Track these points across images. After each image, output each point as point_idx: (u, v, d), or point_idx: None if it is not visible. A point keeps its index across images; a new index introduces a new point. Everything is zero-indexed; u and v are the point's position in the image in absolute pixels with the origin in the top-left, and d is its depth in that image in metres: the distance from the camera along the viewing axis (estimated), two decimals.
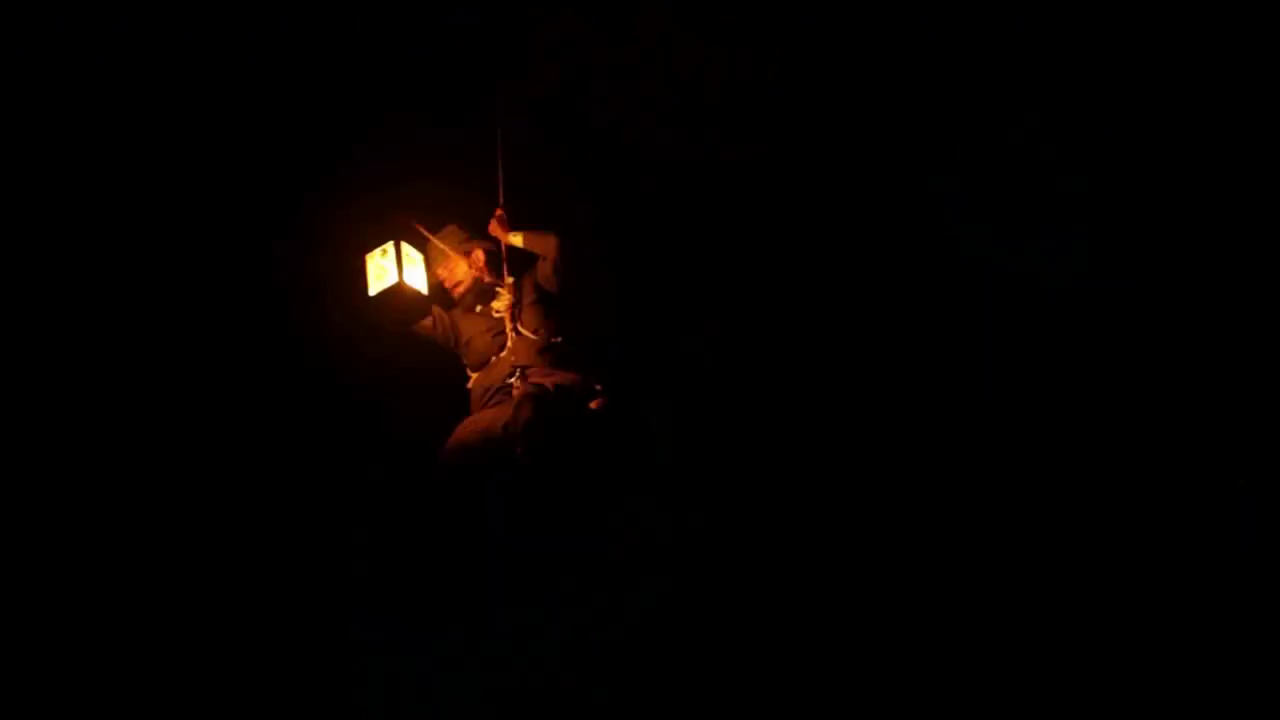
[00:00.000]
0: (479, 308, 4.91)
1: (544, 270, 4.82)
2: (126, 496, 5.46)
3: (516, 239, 4.82)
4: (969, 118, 5.77)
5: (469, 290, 4.91)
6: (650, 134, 5.74)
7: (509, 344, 4.79)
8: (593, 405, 4.70)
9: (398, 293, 4.64)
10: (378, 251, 4.67)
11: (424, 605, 4.98)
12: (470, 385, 4.85)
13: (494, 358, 4.81)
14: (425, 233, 4.81)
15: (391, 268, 4.64)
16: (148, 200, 5.56)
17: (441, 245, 4.87)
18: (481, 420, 4.71)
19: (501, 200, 4.83)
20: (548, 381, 4.65)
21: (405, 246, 4.68)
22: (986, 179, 5.82)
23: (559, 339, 4.83)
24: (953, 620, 5.25)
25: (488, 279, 4.89)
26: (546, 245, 4.80)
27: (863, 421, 5.89)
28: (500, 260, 4.83)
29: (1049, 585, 5.33)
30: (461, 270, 4.90)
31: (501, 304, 4.83)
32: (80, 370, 5.54)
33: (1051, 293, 5.76)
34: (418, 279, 4.71)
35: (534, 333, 4.81)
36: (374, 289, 4.66)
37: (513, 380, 4.70)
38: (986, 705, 5.01)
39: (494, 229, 4.82)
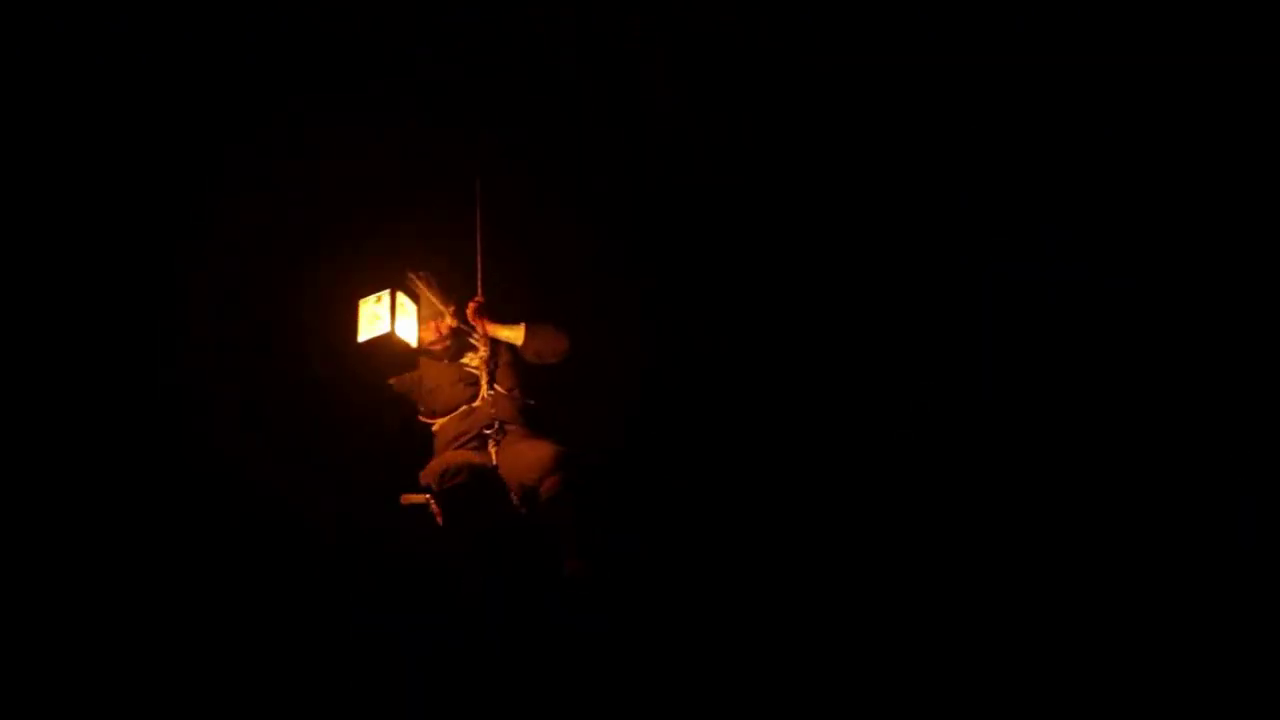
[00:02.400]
0: (446, 360, 4.92)
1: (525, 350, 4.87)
2: (128, 499, 5.47)
3: (497, 331, 4.84)
4: (969, 118, 5.76)
5: (448, 342, 4.90)
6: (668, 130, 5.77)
7: (483, 395, 4.81)
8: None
9: (386, 342, 4.61)
10: (372, 298, 4.64)
11: (425, 603, 4.97)
12: (436, 429, 4.84)
13: (465, 406, 4.82)
14: (423, 287, 4.80)
15: (385, 316, 4.61)
16: (146, 201, 5.57)
17: (430, 295, 4.84)
18: (460, 457, 4.73)
19: (481, 288, 4.84)
20: (542, 448, 4.69)
21: (400, 296, 4.65)
22: (987, 179, 5.81)
23: (534, 402, 4.89)
24: (952, 620, 5.24)
25: (464, 332, 4.88)
26: (528, 339, 4.84)
27: (863, 421, 5.89)
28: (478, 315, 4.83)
29: (1049, 585, 5.32)
30: (444, 324, 4.88)
31: (477, 359, 4.85)
32: (86, 372, 5.56)
33: (1051, 293, 5.75)
34: (408, 331, 4.69)
35: (509, 391, 4.86)
36: (364, 334, 4.63)
37: (489, 432, 4.74)
38: (988, 705, 5.01)
39: (472, 317, 4.84)
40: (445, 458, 4.71)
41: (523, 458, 4.71)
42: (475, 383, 4.84)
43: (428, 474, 4.71)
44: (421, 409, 4.89)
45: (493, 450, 4.76)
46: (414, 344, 4.73)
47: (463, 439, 4.78)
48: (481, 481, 4.63)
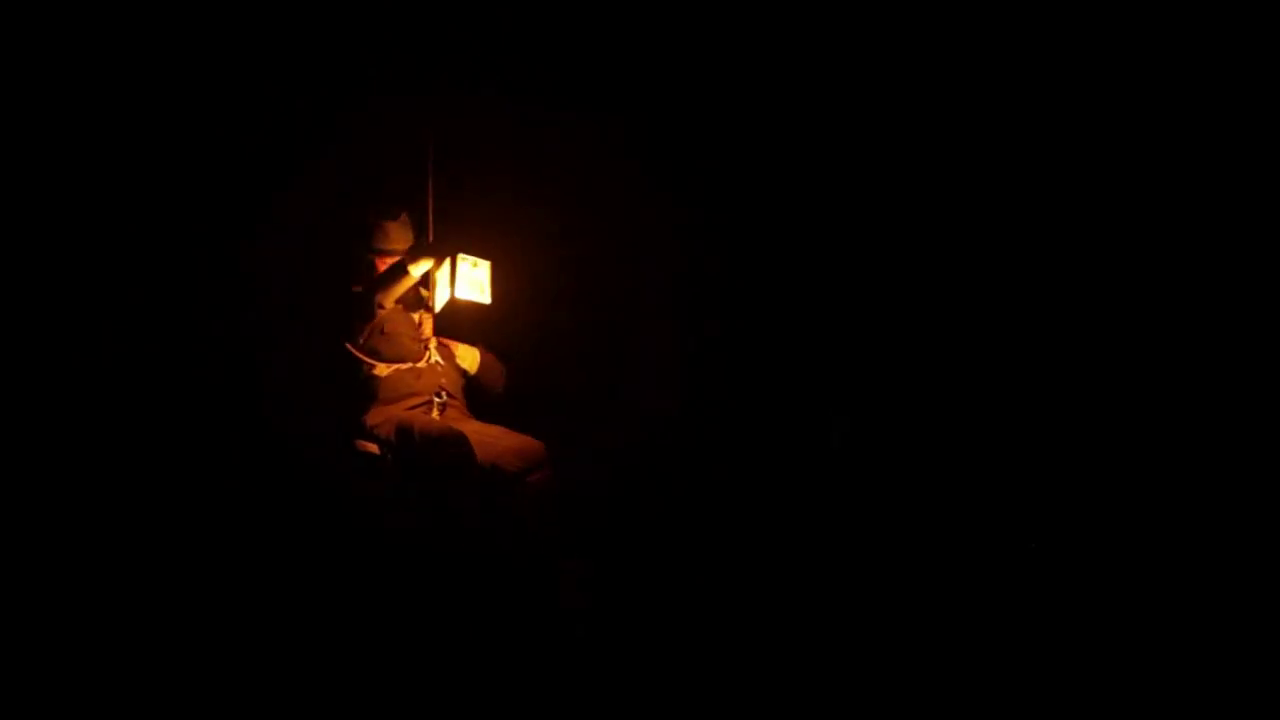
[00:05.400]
0: (402, 308, 4.98)
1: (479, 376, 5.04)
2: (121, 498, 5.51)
3: (454, 344, 4.99)
4: (969, 118, 5.77)
5: (413, 289, 4.93)
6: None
7: (430, 360, 4.92)
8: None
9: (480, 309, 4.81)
10: (470, 260, 4.74)
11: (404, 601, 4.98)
12: (381, 372, 4.89)
13: (414, 364, 4.89)
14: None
15: (487, 286, 4.75)
16: (147, 199, 5.61)
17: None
18: (415, 418, 4.82)
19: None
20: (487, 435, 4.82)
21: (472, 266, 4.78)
22: (985, 179, 5.82)
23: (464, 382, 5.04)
24: (949, 619, 5.22)
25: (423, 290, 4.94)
26: (483, 369, 5.05)
27: (862, 421, 5.89)
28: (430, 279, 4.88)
29: (1048, 586, 5.29)
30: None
31: (427, 327, 4.95)
32: (95, 367, 5.61)
33: (1051, 292, 5.75)
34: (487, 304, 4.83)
35: (455, 367, 4.99)
36: (461, 293, 4.74)
37: (438, 400, 4.89)
38: (986, 703, 4.98)
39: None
40: (435, 423, 4.75)
41: (493, 441, 4.75)
42: (425, 344, 4.90)
43: (388, 425, 4.79)
44: (363, 344, 4.88)
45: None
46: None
47: (414, 399, 4.83)
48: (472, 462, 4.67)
